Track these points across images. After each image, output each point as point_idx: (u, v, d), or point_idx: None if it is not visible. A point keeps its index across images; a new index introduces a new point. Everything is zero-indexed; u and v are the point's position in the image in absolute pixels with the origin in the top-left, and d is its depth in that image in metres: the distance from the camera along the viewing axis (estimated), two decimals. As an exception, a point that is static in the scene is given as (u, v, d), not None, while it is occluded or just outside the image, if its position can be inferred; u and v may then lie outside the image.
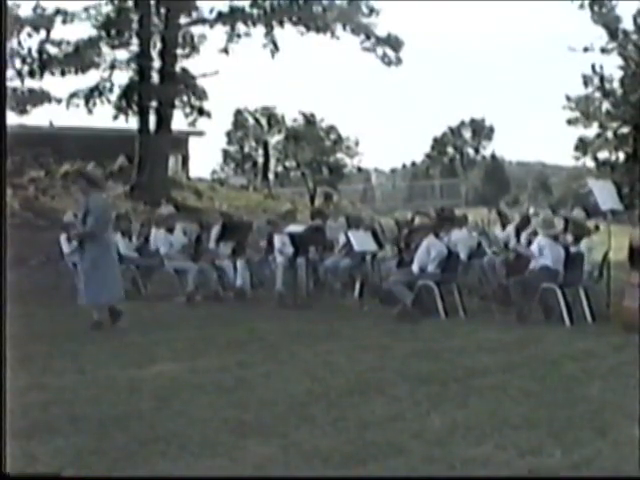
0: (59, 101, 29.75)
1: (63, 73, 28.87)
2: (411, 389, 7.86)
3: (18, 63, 28.15)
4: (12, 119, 30.70)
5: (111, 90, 30.62)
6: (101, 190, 12.40)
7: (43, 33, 28.48)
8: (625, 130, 45.74)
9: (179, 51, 30.97)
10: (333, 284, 15.82)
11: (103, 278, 11.67)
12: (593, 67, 45.66)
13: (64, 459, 5.81)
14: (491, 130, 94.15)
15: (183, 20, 30.66)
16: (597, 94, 46.52)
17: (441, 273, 13.16)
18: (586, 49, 42.61)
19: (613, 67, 46.33)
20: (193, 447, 6.08)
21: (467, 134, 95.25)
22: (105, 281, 11.71)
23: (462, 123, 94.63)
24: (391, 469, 5.62)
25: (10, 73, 27.94)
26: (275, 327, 12.01)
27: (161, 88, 30.21)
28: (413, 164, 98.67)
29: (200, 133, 40.32)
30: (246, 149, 73.53)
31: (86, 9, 29.27)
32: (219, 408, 7.19)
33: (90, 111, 30.49)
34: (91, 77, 30.57)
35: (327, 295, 15.47)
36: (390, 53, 31.13)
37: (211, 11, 30.42)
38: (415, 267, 13.15)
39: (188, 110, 31.95)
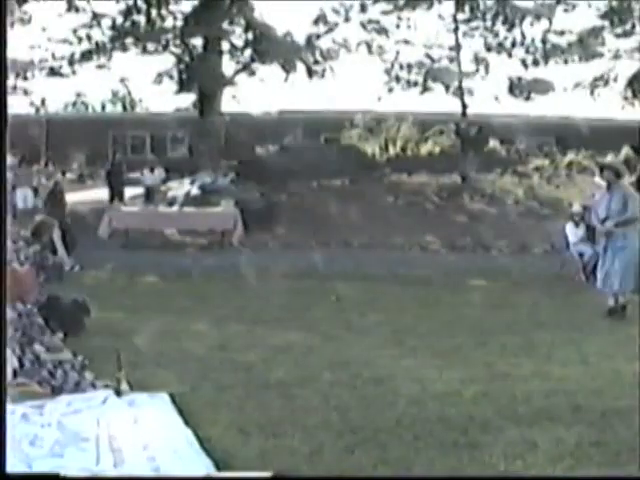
0: (564, 90, 29.80)
1: (566, 62, 28.85)
2: None
3: (522, 52, 28.63)
4: (519, 107, 31.44)
5: (616, 80, 30.04)
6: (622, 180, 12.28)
7: (545, 22, 28.65)
8: None
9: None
10: None
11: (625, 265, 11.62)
12: None
13: (565, 448, 5.72)
14: None
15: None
16: None
17: None
18: None
19: None
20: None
21: None
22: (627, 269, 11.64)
23: None
24: None
25: (514, 62, 28.64)
26: None
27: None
28: None
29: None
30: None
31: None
32: None
33: (595, 101, 30.24)
34: (595, 66, 30.27)
35: None
36: None
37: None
38: None
39: None
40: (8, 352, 7.42)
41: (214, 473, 5.33)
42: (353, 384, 7.60)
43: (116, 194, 24.59)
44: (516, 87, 28.74)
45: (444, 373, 8.02)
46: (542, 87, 29.10)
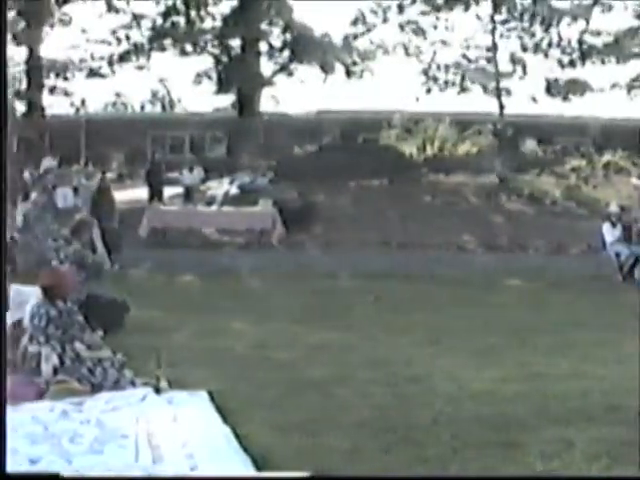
0: (601, 91, 29.64)
1: (603, 63, 28.71)
2: None
3: (558, 53, 28.53)
4: (555, 107, 31.25)
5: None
6: None
7: (582, 23, 28.52)
8: None
9: None
10: None
11: None
12: None
13: (601, 448, 5.72)
14: None
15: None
16: None
17: None
18: None
19: None
20: None
21: None
22: None
23: None
24: None
25: (550, 62, 28.50)
26: None
27: None
28: None
29: None
30: None
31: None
32: None
33: (632, 101, 30.09)
34: (632, 67, 30.08)
35: None
36: None
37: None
38: None
39: None
40: (48, 349, 7.54)
41: (252, 473, 5.38)
42: (390, 383, 7.65)
43: (155, 193, 24.73)
44: (553, 87, 28.64)
45: (481, 372, 8.04)
46: (579, 88, 29.00)
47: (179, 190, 26.28)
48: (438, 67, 29.54)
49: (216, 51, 30.53)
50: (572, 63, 28.64)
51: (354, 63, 30.44)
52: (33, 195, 20.17)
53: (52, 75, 31.06)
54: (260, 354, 8.99)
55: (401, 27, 29.34)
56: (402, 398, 7.13)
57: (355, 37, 29.78)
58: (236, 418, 6.37)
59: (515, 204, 25.29)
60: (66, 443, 5.97)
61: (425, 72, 29.89)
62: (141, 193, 25.57)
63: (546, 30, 28.26)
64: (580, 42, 28.51)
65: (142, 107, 50.30)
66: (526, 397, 7.13)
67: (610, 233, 16.27)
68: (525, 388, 7.42)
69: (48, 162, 24.57)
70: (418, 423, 6.38)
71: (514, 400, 7.04)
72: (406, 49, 29.84)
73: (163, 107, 49.86)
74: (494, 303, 13.03)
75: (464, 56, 29.21)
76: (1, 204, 5.58)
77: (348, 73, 30.60)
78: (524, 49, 28.58)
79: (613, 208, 17.24)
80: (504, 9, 28.04)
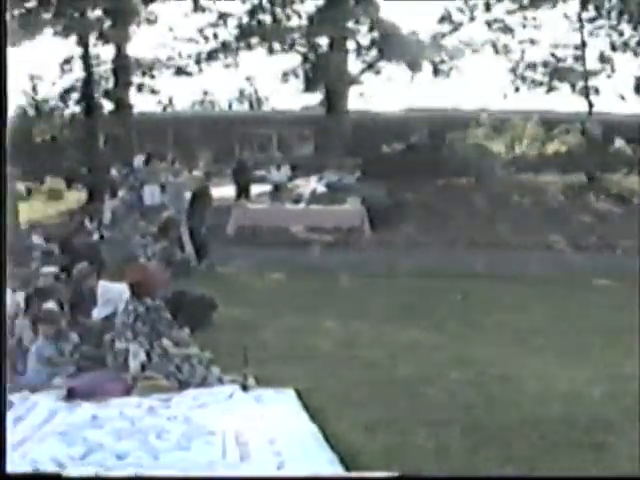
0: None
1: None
2: None
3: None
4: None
5: None
6: None
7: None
8: None
9: None
10: None
11: None
12: None
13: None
14: None
15: None
16: None
17: None
18: None
19: None
20: None
21: None
22: None
23: None
24: None
25: (639, 61, 28.00)
26: None
27: None
28: None
29: None
30: None
31: None
32: None
33: None
34: None
35: None
36: None
37: None
38: None
39: None
40: (136, 346, 7.65)
41: (341, 473, 5.39)
42: (478, 382, 7.62)
43: (243, 192, 24.89)
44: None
45: (569, 373, 7.96)
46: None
47: (266, 188, 26.45)
48: (527, 66, 29.23)
49: (303, 49, 30.62)
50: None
51: (442, 61, 30.25)
52: (121, 192, 20.49)
53: (139, 73, 31.45)
54: (348, 353, 9.02)
55: (488, 25, 29.11)
56: (490, 397, 7.10)
57: (443, 35, 29.63)
58: (324, 416, 6.41)
59: (603, 204, 24.90)
60: (153, 439, 6.07)
61: (513, 70, 29.61)
62: (228, 191, 25.79)
63: (634, 28, 27.71)
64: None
65: (229, 105, 50.70)
66: (615, 398, 7.04)
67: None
68: (615, 389, 7.32)
69: (139, 159, 24.86)
70: (506, 423, 6.35)
71: (603, 401, 6.96)
72: (494, 47, 29.60)
73: (250, 105, 50.18)
74: (583, 303, 12.88)
75: (552, 54, 28.84)
76: (1, 204, 5.66)
77: (436, 71, 30.44)
78: (613, 47, 28.08)
79: None
80: (591, 7, 27.61)
